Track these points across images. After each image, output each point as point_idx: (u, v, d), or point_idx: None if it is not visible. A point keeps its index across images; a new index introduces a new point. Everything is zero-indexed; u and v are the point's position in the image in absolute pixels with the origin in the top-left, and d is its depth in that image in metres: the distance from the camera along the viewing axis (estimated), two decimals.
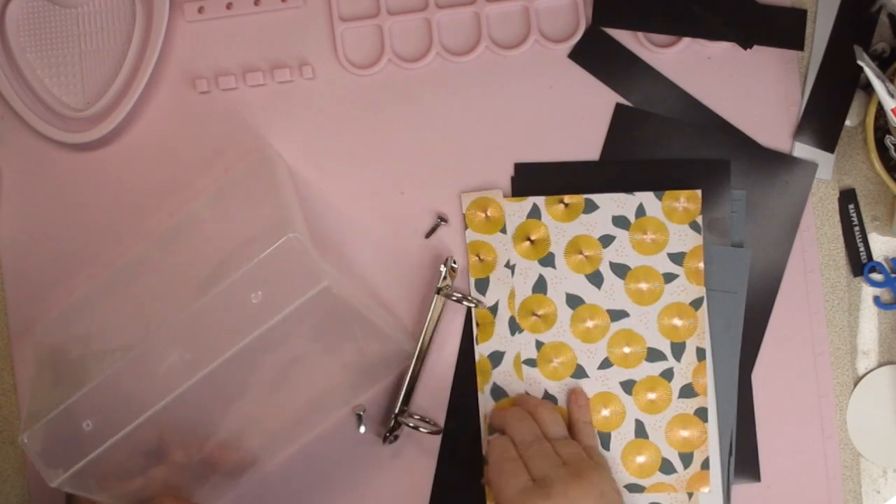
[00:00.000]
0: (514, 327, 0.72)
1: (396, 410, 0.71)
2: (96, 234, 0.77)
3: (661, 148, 0.73)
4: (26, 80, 0.76)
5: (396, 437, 0.72)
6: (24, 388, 0.77)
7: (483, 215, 0.70)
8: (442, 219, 0.74)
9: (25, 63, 0.77)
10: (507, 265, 0.70)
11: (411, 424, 0.71)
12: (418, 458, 0.73)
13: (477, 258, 0.71)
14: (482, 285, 0.70)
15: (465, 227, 0.70)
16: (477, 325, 0.70)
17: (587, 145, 0.74)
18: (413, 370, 0.71)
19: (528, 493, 0.61)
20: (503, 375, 0.70)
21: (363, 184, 0.75)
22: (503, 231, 0.70)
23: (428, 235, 0.74)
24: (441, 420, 0.73)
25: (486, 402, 0.70)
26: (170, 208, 0.76)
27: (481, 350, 0.70)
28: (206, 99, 0.76)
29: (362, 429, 0.72)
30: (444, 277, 0.71)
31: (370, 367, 0.72)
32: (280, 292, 0.59)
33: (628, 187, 0.72)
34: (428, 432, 0.71)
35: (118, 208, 0.77)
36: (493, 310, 0.70)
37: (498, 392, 0.70)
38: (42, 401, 0.63)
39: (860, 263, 0.72)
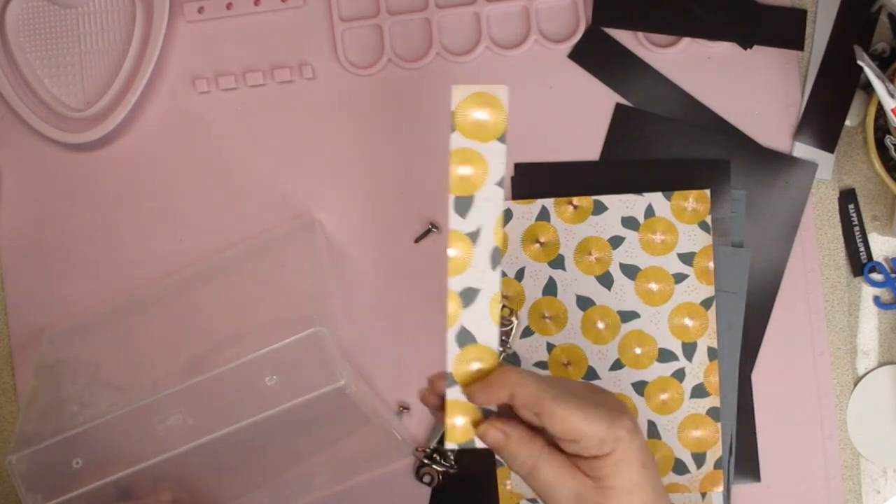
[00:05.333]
0: (525, 328, 0.72)
1: (428, 448, 0.73)
2: (96, 234, 0.77)
3: (661, 148, 0.73)
4: (26, 80, 0.76)
5: (431, 478, 0.73)
6: (22, 387, 0.76)
7: (478, 117, 0.52)
8: (434, 226, 0.74)
9: (25, 63, 0.77)
10: (499, 183, 0.52)
11: (426, 461, 0.72)
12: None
13: (459, 172, 0.53)
14: (463, 206, 0.53)
15: (453, 129, 0.52)
16: (450, 253, 0.53)
17: (587, 145, 0.74)
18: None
19: (603, 399, 0.51)
20: (473, 317, 0.54)
21: (363, 184, 0.75)
22: (502, 140, 0.52)
23: (417, 241, 0.74)
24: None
25: (450, 349, 0.54)
26: (169, 208, 0.76)
27: (451, 285, 0.53)
28: (206, 99, 0.76)
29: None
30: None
31: (366, 457, 0.73)
32: (295, 381, 0.60)
33: (628, 187, 0.72)
34: (440, 470, 0.72)
35: (118, 208, 0.77)
36: (473, 237, 0.53)
37: (466, 337, 0.54)
38: (37, 421, 0.64)
39: (860, 263, 0.72)
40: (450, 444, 0.52)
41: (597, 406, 0.49)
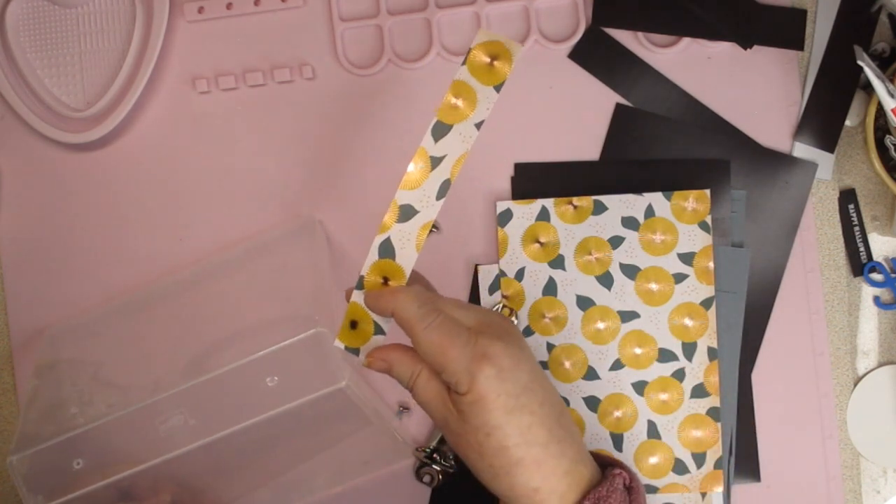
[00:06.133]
0: (525, 328, 0.72)
1: (428, 448, 0.72)
2: (96, 234, 0.77)
3: (661, 148, 0.73)
4: (26, 80, 0.76)
5: (431, 478, 0.73)
6: (22, 387, 0.76)
7: (488, 61, 0.56)
8: (434, 226, 0.74)
9: (25, 63, 0.77)
10: (478, 125, 0.56)
11: (426, 461, 0.72)
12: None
13: (453, 101, 0.56)
14: (439, 132, 0.56)
15: (463, 62, 0.55)
16: (410, 168, 0.56)
17: (587, 145, 0.74)
18: None
19: (478, 337, 0.52)
20: (401, 234, 0.57)
21: (363, 184, 0.75)
22: (497, 89, 0.56)
23: None
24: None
25: (372, 253, 0.57)
26: (170, 209, 0.76)
27: (398, 196, 0.56)
28: (206, 99, 0.76)
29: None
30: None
31: (366, 458, 0.73)
32: (296, 382, 0.60)
33: (629, 187, 0.72)
34: (440, 470, 0.72)
35: (118, 208, 0.77)
36: (435, 162, 0.56)
37: (387, 249, 0.57)
38: (38, 421, 0.64)
39: (860, 263, 0.72)
40: (338, 343, 0.55)
41: (463, 346, 0.51)
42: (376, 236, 0.55)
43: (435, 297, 0.54)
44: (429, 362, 0.52)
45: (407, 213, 0.56)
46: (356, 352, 0.56)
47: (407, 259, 0.56)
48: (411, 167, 0.55)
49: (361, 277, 0.55)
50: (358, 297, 0.55)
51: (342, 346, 0.56)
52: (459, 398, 0.52)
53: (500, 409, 0.51)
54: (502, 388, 0.51)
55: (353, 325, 0.56)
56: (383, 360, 0.54)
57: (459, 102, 0.55)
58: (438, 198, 0.56)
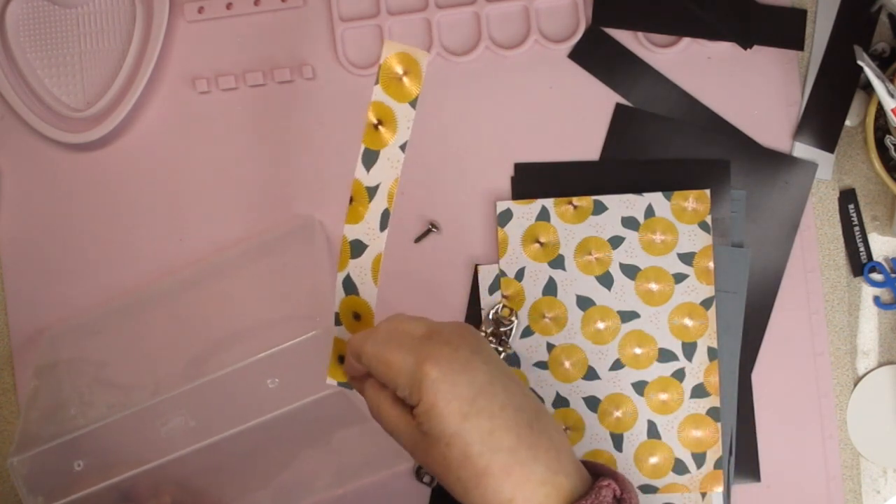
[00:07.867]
0: (525, 328, 0.72)
1: None
2: (96, 234, 0.77)
3: (660, 148, 0.73)
4: (26, 80, 0.76)
5: (432, 478, 0.73)
6: (22, 387, 0.76)
7: (399, 75, 0.54)
8: (433, 226, 0.74)
9: (25, 63, 0.77)
10: (402, 147, 0.54)
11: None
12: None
13: (374, 124, 0.54)
14: (369, 159, 0.55)
15: (377, 81, 0.53)
16: (351, 200, 0.56)
17: (587, 145, 0.74)
18: None
19: (423, 342, 0.51)
20: (358, 270, 0.57)
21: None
22: (412, 105, 0.54)
23: (417, 240, 0.74)
24: None
25: (339, 291, 0.58)
26: (170, 209, 0.76)
27: (346, 232, 0.56)
28: (206, 99, 0.76)
29: None
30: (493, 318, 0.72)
31: (367, 460, 0.73)
32: (296, 383, 0.60)
33: (629, 187, 0.72)
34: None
35: (118, 208, 0.77)
36: (371, 192, 0.55)
37: (349, 286, 0.58)
38: (38, 422, 0.64)
39: (860, 263, 0.72)
40: (329, 381, 0.55)
41: (406, 352, 0.50)
42: (337, 273, 0.55)
43: (390, 318, 0.53)
44: (380, 379, 0.51)
45: (357, 248, 0.55)
46: (349, 386, 0.55)
47: (369, 294, 0.55)
48: (350, 201, 0.54)
49: (336, 314, 0.55)
50: (337, 332, 0.55)
51: (335, 382, 0.55)
52: (416, 410, 0.50)
53: (454, 414, 0.48)
54: (453, 392, 0.48)
55: (342, 359, 0.55)
56: (359, 381, 0.54)
57: (381, 125, 0.53)
58: (382, 229, 0.54)
